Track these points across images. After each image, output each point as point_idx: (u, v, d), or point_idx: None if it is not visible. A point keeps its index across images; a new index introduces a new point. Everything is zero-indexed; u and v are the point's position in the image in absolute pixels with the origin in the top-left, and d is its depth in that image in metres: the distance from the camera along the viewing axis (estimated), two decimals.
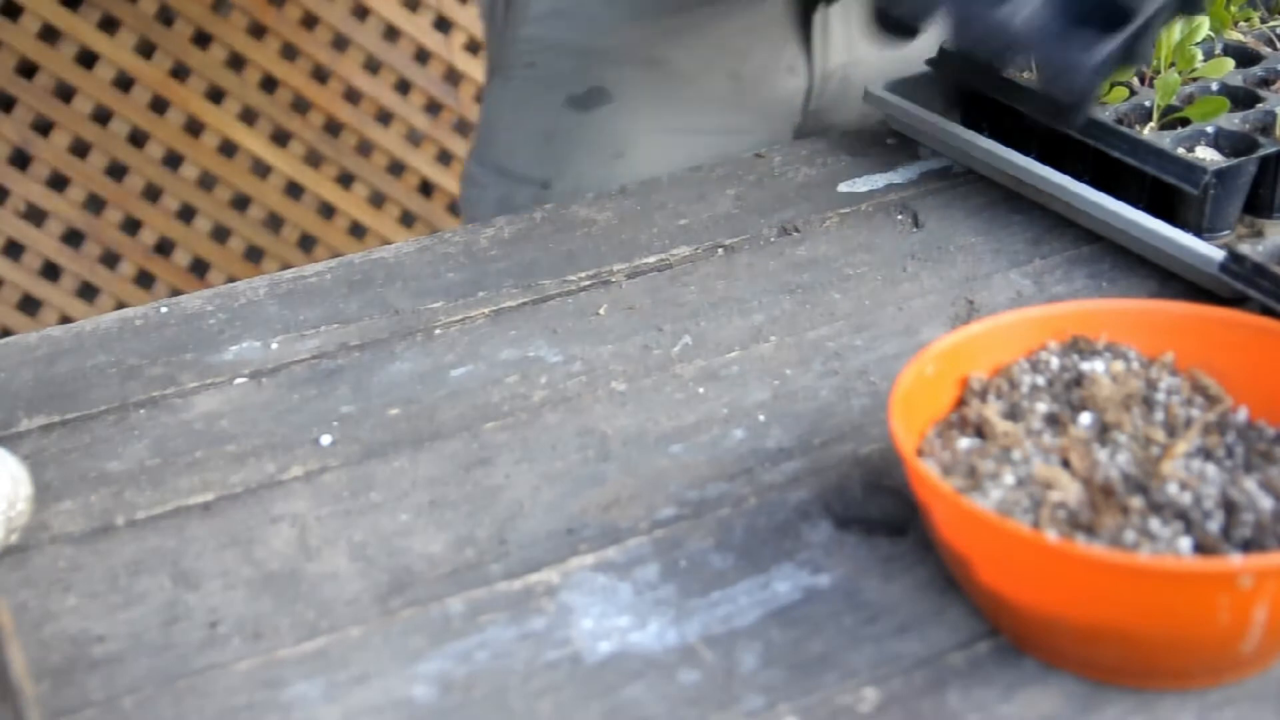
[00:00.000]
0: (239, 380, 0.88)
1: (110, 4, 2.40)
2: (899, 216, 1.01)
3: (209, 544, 0.76)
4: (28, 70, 2.39)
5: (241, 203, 2.57)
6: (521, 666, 0.67)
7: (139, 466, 0.81)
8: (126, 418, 0.85)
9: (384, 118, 2.62)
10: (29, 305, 2.48)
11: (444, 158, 2.66)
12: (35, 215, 2.45)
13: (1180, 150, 0.93)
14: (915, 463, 0.65)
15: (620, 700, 0.65)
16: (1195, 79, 1.00)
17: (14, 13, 2.35)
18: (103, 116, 2.44)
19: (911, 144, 1.09)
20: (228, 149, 2.52)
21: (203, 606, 0.72)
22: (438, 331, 0.92)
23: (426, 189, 2.68)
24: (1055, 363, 0.74)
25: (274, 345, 0.91)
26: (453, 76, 2.63)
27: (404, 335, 0.92)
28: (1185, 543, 0.63)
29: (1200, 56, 1.00)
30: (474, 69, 2.62)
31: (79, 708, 0.66)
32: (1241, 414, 0.72)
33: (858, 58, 1.22)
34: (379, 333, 0.92)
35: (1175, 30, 1.00)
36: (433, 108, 2.64)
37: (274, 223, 2.61)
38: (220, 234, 2.56)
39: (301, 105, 2.58)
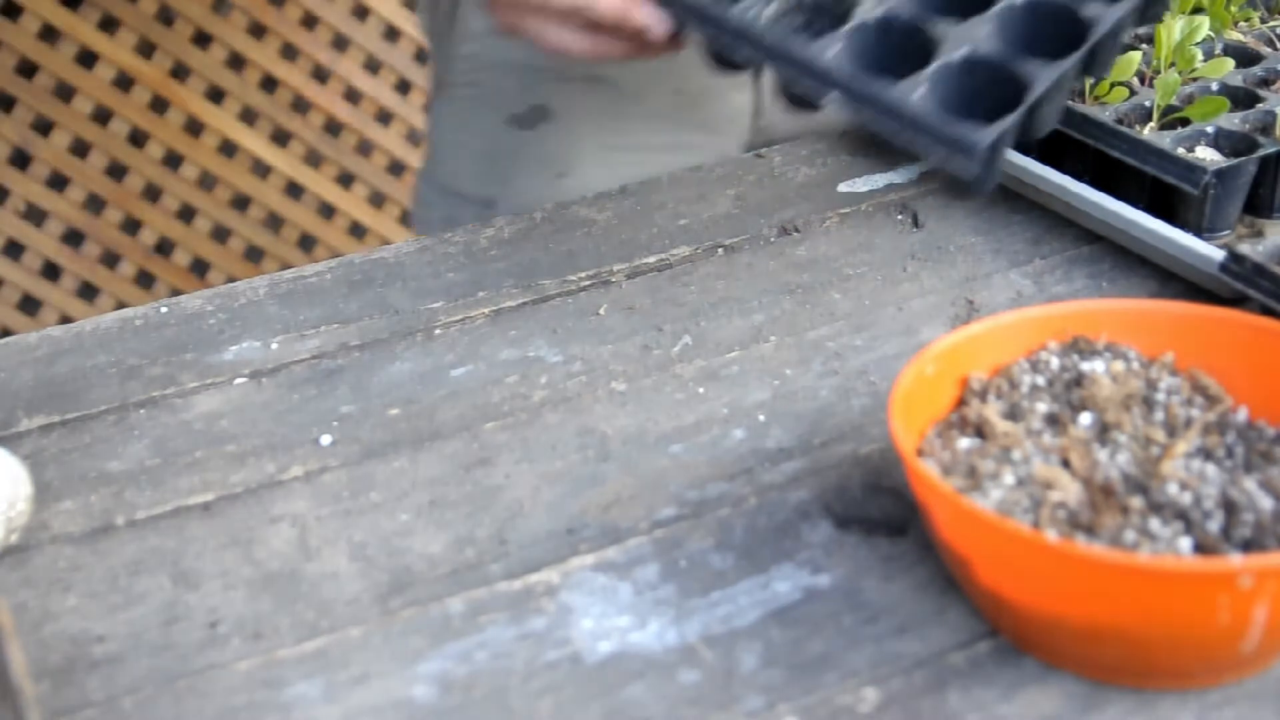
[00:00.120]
0: (239, 380, 0.88)
1: (110, 4, 2.40)
2: (899, 216, 1.02)
3: (209, 544, 0.76)
4: (28, 70, 2.39)
5: (241, 203, 2.57)
6: (521, 666, 0.67)
7: (139, 466, 0.81)
8: (126, 418, 0.85)
9: (384, 118, 2.63)
10: (29, 305, 2.48)
11: None
12: (35, 215, 2.45)
13: (1180, 150, 0.93)
14: (915, 463, 0.65)
15: (620, 700, 0.65)
16: (1195, 79, 1.00)
17: (14, 13, 2.35)
18: (103, 116, 2.45)
19: None
20: (228, 149, 2.53)
21: (203, 606, 0.72)
22: (438, 331, 0.92)
23: None
24: (1055, 363, 0.74)
25: (274, 345, 0.91)
26: None
27: (404, 335, 0.92)
28: (1185, 543, 0.63)
29: (1200, 56, 1.00)
30: None
31: (79, 708, 0.66)
32: (1241, 414, 0.72)
33: None
34: (379, 333, 0.92)
35: (1175, 30, 1.00)
36: None
37: (274, 223, 2.61)
38: (220, 234, 2.56)
39: (301, 105, 2.58)
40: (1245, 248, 0.87)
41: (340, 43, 2.57)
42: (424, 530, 0.76)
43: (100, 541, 0.76)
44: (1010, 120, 0.79)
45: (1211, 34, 1.05)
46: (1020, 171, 1.00)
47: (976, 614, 0.69)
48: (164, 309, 0.95)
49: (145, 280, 2.53)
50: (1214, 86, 1.00)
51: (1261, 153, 0.93)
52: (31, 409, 0.86)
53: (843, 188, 1.05)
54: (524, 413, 0.84)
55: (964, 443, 0.70)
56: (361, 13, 2.56)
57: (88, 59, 2.42)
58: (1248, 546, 0.64)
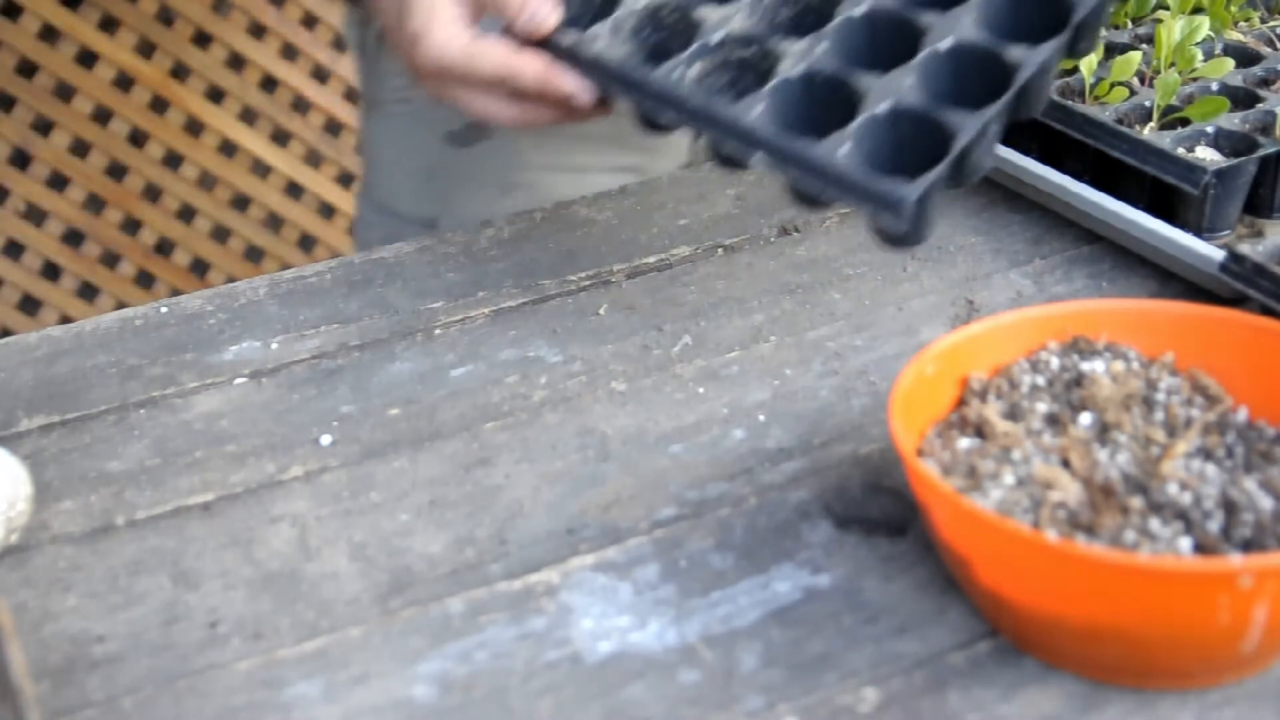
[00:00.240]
0: (239, 380, 0.88)
1: (110, 4, 2.40)
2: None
3: (209, 544, 0.76)
4: (28, 70, 2.39)
5: (241, 203, 2.57)
6: (521, 666, 0.67)
7: (139, 466, 0.81)
8: (126, 418, 0.85)
9: None
10: (29, 305, 2.48)
11: None
12: (35, 215, 2.45)
13: (1180, 150, 0.93)
14: (915, 463, 0.65)
15: (620, 700, 0.65)
16: (1195, 79, 1.00)
17: (14, 13, 2.35)
18: (103, 116, 2.45)
19: None
20: (228, 149, 2.53)
21: (203, 606, 0.72)
22: (438, 331, 0.92)
23: None
24: (1055, 363, 0.74)
25: (274, 345, 0.91)
26: None
27: (404, 335, 0.92)
28: (1185, 543, 0.63)
29: (1200, 56, 1.00)
30: None
31: (79, 708, 0.66)
32: (1241, 414, 0.72)
33: None
34: (379, 333, 0.92)
35: (1175, 30, 1.00)
36: None
37: (274, 223, 2.61)
38: (220, 234, 2.56)
39: (301, 105, 2.58)
40: (1245, 248, 0.87)
41: (340, 43, 2.57)
42: (424, 530, 0.76)
43: (100, 541, 0.76)
44: (936, 173, 0.78)
45: (1211, 34, 1.05)
46: (1020, 171, 1.00)
47: (976, 614, 0.69)
48: (164, 309, 0.95)
49: (145, 280, 2.53)
50: (1214, 86, 1.00)
51: (1261, 153, 0.93)
52: (31, 409, 0.86)
53: None
54: (524, 413, 0.84)
55: (964, 443, 0.70)
56: None
57: (88, 59, 2.42)
58: (1248, 546, 0.64)
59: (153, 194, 2.51)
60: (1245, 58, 1.04)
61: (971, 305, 0.92)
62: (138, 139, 2.48)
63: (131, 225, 2.51)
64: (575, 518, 0.76)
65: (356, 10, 1.24)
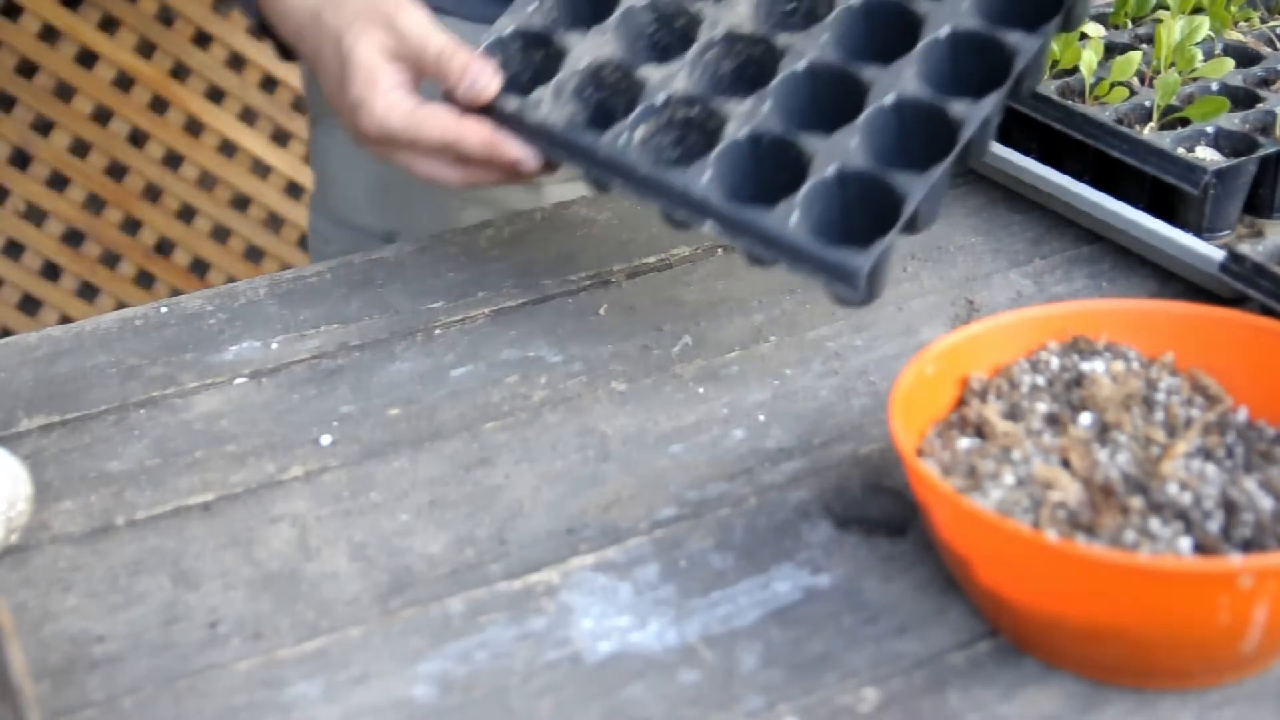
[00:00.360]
0: (239, 380, 0.88)
1: (110, 4, 2.40)
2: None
3: (209, 544, 0.76)
4: (28, 70, 2.39)
5: (241, 203, 2.57)
6: (521, 666, 0.67)
7: (139, 466, 0.81)
8: (126, 418, 0.85)
9: None
10: (29, 305, 2.48)
11: None
12: (35, 215, 2.45)
13: (1180, 150, 0.93)
14: (915, 463, 0.65)
15: (620, 700, 0.65)
16: (1195, 79, 1.00)
17: (14, 13, 2.35)
18: (103, 116, 2.44)
19: None
20: (228, 149, 2.52)
21: (203, 606, 0.72)
22: (438, 331, 0.92)
23: None
24: (1055, 363, 0.74)
25: (274, 345, 0.91)
26: None
27: (404, 335, 0.92)
28: (1185, 543, 0.63)
29: (1200, 56, 1.00)
30: None
31: (79, 708, 0.66)
32: (1241, 414, 0.72)
33: None
34: (379, 333, 0.92)
35: (1175, 30, 1.00)
36: None
37: (274, 223, 2.61)
38: (220, 234, 2.56)
39: (301, 105, 2.58)
40: (1245, 248, 0.87)
41: None
42: (424, 530, 0.76)
43: (100, 541, 0.76)
44: (888, 240, 0.79)
45: (1211, 34, 1.05)
46: (1020, 171, 1.00)
47: (976, 614, 0.69)
48: (164, 309, 0.95)
49: (145, 280, 2.53)
50: (1214, 86, 1.00)
51: (1261, 153, 0.93)
52: (31, 409, 0.86)
53: None
54: (524, 413, 0.84)
55: (964, 443, 0.70)
56: None
57: (88, 59, 2.41)
58: (1248, 546, 0.64)
59: (153, 194, 2.51)
60: (1245, 58, 1.04)
61: (971, 305, 0.92)
62: (138, 139, 2.48)
63: (131, 225, 2.50)
64: (575, 518, 0.76)
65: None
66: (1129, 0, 1.10)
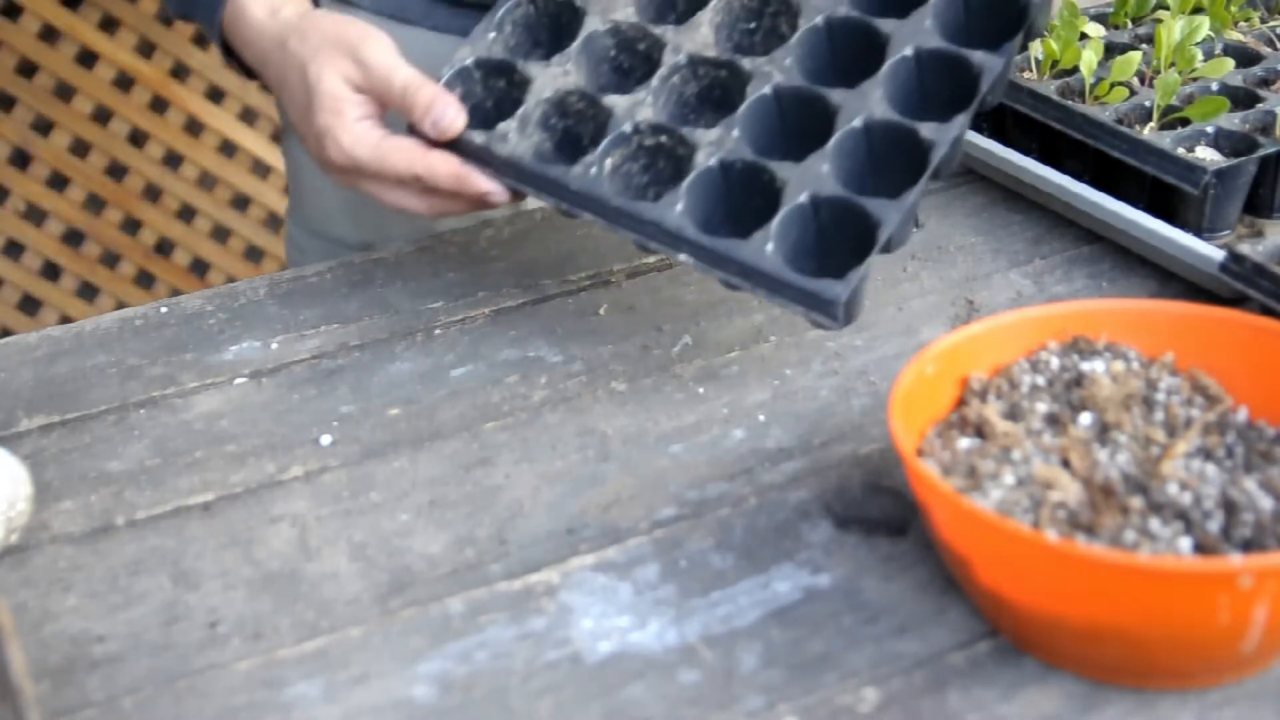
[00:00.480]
0: (239, 380, 0.88)
1: (110, 4, 2.40)
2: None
3: (209, 544, 0.76)
4: (28, 70, 2.39)
5: (241, 203, 2.57)
6: (521, 666, 0.67)
7: (139, 466, 0.81)
8: (126, 418, 0.85)
9: None
10: (29, 305, 2.47)
11: None
12: (35, 215, 2.45)
13: (1180, 150, 0.93)
14: (915, 463, 0.65)
15: (620, 700, 0.65)
16: (1195, 79, 1.00)
17: (14, 13, 2.35)
18: (103, 116, 2.44)
19: None
20: (228, 149, 2.52)
21: (203, 606, 0.72)
22: (438, 331, 0.92)
23: None
24: (1055, 363, 0.74)
25: (274, 345, 0.91)
26: None
27: (404, 335, 0.92)
28: (1185, 543, 0.63)
29: (1200, 56, 1.00)
30: None
31: (79, 708, 0.66)
32: (1241, 414, 0.72)
33: None
34: (379, 333, 0.92)
35: (1175, 30, 1.00)
36: None
37: (274, 223, 2.61)
38: (220, 234, 2.56)
39: None
40: (1245, 248, 0.87)
41: None
42: (424, 530, 0.76)
43: (100, 541, 0.76)
44: (864, 269, 0.79)
45: (1211, 34, 1.05)
46: (1020, 171, 1.00)
47: (976, 614, 0.69)
48: (164, 309, 0.95)
49: (145, 280, 2.53)
50: (1214, 86, 1.00)
51: (1261, 153, 0.93)
52: (31, 409, 0.86)
53: None
54: (524, 413, 0.84)
55: (964, 443, 0.70)
56: None
57: (88, 59, 2.41)
58: (1248, 546, 0.64)
59: (153, 194, 2.51)
60: (1245, 58, 1.04)
61: (971, 305, 0.92)
62: (138, 139, 2.48)
63: (131, 225, 2.50)
64: (575, 518, 0.76)
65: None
66: (1129, 0, 1.10)
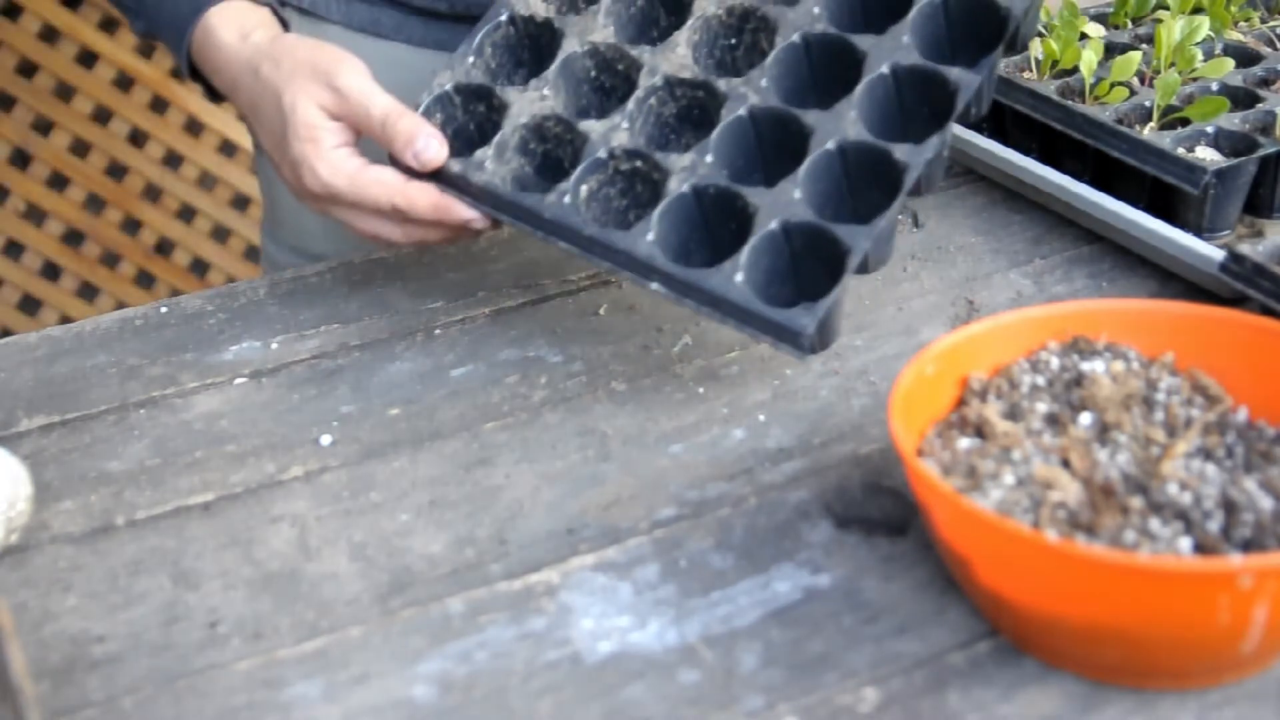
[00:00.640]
0: (239, 380, 0.88)
1: (110, 4, 2.40)
2: (899, 216, 1.01)
3: (209, 544, 0.76)
4: (28, 70, 2.39)
5: (241, 203, 2.57)
6: (521, 666, 0.67)
7: (139, 466, 0.81)
8: (126, 418, 0.85)
9: None
10: (29, 305, 2.48)
11: None
12: (35, 215, 2.45)
13: (1180, 150, 0.93)
14: (915, 463, 0.65)
15: (620, 700, 0.65)
16: (1195, 79, 1.00)
17: (14, 13, 2.35)
18: (103, 116, 2.44)
19: None
20: (228, 149, 2.53)
21: (203, 606, 0.72)
22: (438, 331, 0.92)
23: None
24: (1055, 363, 0.74)
25: (274, 345, 0.91)
26: None
27: (404, 335, 0.92)
28: (1185, 543, 0.63)
29: (1200, 56, 1.00)
30: None
31: (79, 708, 0.66)
32: (1241, 414, 0.72)
33: None
34: (379, 333, 0.92)
35: (1175, 30, 1.00)
36: None
37: None
38: (220, 234, 2.56)
39: None
40: (1245, 248, 0.87)
41: None
42: (424, 530, 0.76)
43: (100, 541, 0.76)
44: (832, 297, 0.79)
45: (1211, 34, 1.05)
46: (1020, 171, 1.00)
47: (976, 614, 0.69)
48: (164, 309, 0.95)
49: (145, 280, 2.53)
50: (1214, 86, 1.00)
51: (1261, 153, 0.93)
52: (31, 409, 0.86)
53: None
54: (524, 413, 0.84)
55: (964, 443, 0.70)
56: None
57: (88, 59, 2.41)
58: (1248, 546, 0.64)
59: (153, 194, 2.51)
60: (1245, 58, 1.04)
61: (971, 305, 0.92)
62: (138, 139, 2.48)
63: (131, 225, 2.50)
64: (575, 518, 0.76)
65: None
66: (1129, 0, 1.10)
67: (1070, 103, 0.98)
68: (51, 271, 2.48)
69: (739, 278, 0.79)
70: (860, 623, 0.69)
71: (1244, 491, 0.65)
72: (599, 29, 0.90)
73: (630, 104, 0.87)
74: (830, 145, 0.83)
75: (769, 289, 0.80)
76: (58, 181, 2.45)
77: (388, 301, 0.95)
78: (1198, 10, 1.06)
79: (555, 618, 0.70)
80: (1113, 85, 0.99)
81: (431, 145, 0.85)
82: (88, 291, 2.51)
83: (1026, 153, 1.01)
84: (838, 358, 0.87)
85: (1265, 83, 1.02)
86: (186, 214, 2.53)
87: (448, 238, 0.88)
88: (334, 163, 0.85)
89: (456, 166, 0.85)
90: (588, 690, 0.66)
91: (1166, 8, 1.09)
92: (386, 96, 0.86)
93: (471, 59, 0.90)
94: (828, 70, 0.87)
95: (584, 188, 0.85)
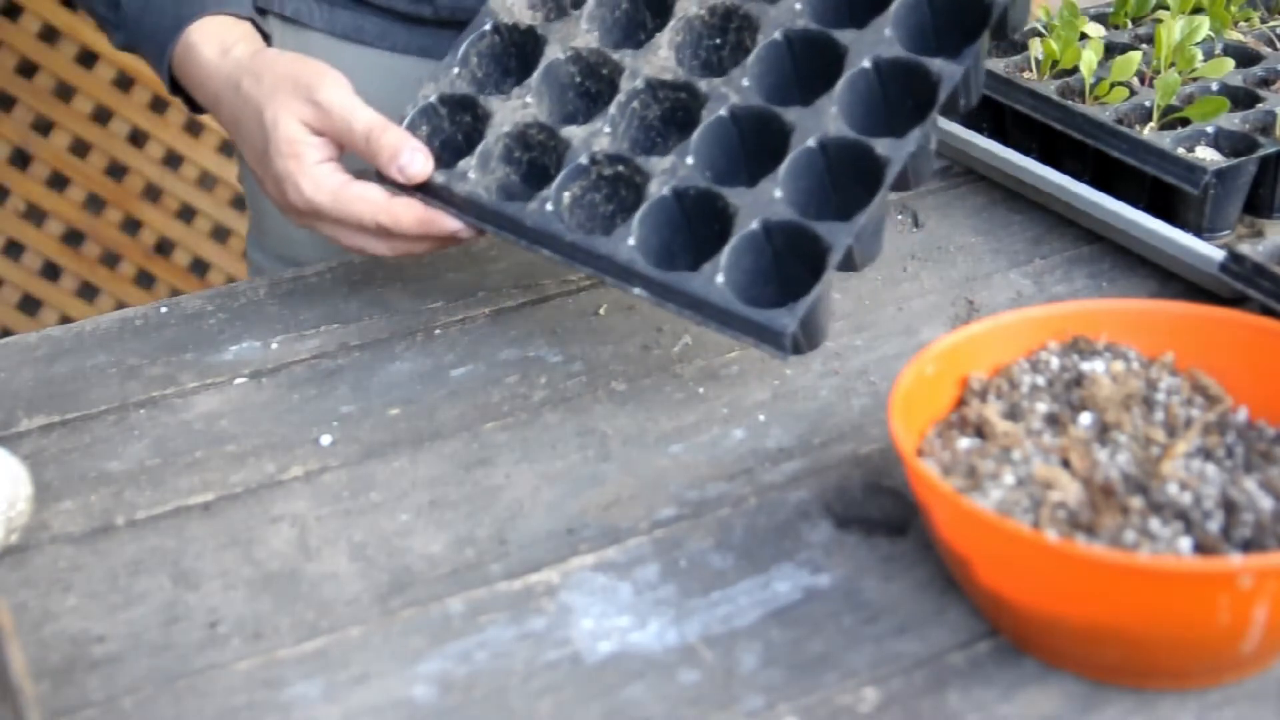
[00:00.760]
0: (239, 380, 0.88)
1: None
2: (899, 216, 1.01)
3: (209, 544, 0.76)
4: (28, 70, 2.39)
5: (241, 203, 2.56)
6: (521, 666, 0.67)
7: (139, 466, 0.81)
8: (126, 418, 0.85)
9: None
10: (29, 305, 2.48)
11: None
12: (35, 215, 2.45)
13: (1180, 150, 0.93)
14: (915, 463, 0.65)
15: (620, 700, 0.65)
16: (1195, 79, 1.00)
17: (14, 13, 2.35)
18: (103, 116, 2.44)
19: None
20: (227, 149, 2.52)
21: (203, 606, 0.72)
22: (438, 331, 0.92)
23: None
24: (1055, 363, 0.74)
25: (274, 345, 0.91)
26: None
27: (404, 335, 0.92)
28: (1185, 543, 0.63)
29: (1200, 56, 1.00)
30: None
31: (79, 708, 0.66)
32: (1241, 414, 0.72)
33: None
34: (379, 333, 0.92)
35: (1175, 30, 1.00)
36: None
37: None
38: (220, 234, 2.56)
39: None
40: (1245, 248, 0.87)
41: None
42: (424, 530, 0.76)
43: (100, 541, 0.76)
44: (813, 296, 0.78)
45: (1211, 34, 1.05)
46: (1020, 171, 1.00)
47: (976, 614, 0.69)
48: (164, 309, 0.95)
49: (145, 280, 2.53)
50: (1214, 86, 1.00)
51: (1261, 153, 0.93)
52: (31, 409, 0.86)
53: None
54: (524, 413, 0.84)
55: (964, 443, 0.70)
56: None
57: (88, 59, 2.41)
58: (1248, 546, 0.64)
59: (153, 194, 2.51)
60: (1245, 58, 1.04)
61: (971, 305, 0.92)
62: (138, 139, 2.48)
63: (131, 225, 2.50)
64: (575, 518, 0.76)
65: None
66: (1129, 0, 1.10)
67: (1070, 103, 0.98)
68: (51, 271, 2.48)
69: (720, 279, 0.79)
70: (860, 623, 0.69)
71: (1244, 491, 0.65)
72: (581, 34, 0.89)
73: (612, 108, 0.86)
74: (811, 142, 0.83)
75: (752, 290, 0.80)
76: (58, 181, 2.45)
77: (388, 301, 0.95)
78: (1198, 10, 1.06)
79: (555, 618, 0.70)
80: (1113, 85, 0.99)
81: (416, 159, 0.84)
82: (88, 291, 2.51)
83: (1026, 153, 1.01)
84: (838, 358, 0.87)
85: (1265, 83, 1.02)
86: (186, 214, 2.53)
87: (435, 249, 0.88)
88: (317, 179, 0.85)
89: (440, 178, 0.85)
90: (588, 690, 0.66)
91: (1166, 8, 1.09)
92: (369, 111, 0.85)
93: (456, 69, 0.90)
94: (810, 66, 0.87)
95: (567, 194, 0.85)
